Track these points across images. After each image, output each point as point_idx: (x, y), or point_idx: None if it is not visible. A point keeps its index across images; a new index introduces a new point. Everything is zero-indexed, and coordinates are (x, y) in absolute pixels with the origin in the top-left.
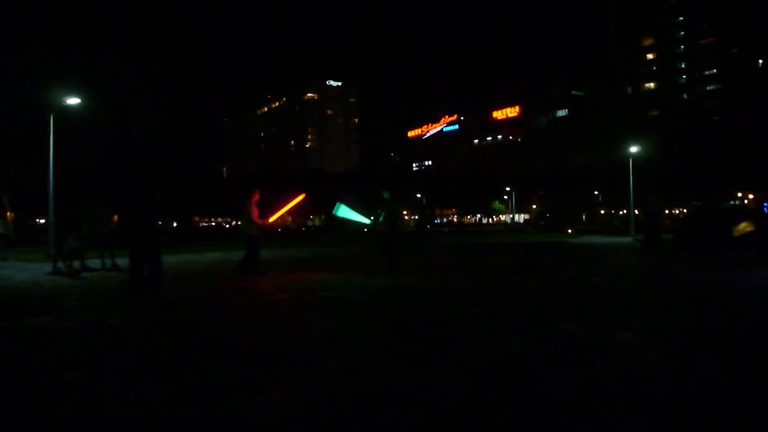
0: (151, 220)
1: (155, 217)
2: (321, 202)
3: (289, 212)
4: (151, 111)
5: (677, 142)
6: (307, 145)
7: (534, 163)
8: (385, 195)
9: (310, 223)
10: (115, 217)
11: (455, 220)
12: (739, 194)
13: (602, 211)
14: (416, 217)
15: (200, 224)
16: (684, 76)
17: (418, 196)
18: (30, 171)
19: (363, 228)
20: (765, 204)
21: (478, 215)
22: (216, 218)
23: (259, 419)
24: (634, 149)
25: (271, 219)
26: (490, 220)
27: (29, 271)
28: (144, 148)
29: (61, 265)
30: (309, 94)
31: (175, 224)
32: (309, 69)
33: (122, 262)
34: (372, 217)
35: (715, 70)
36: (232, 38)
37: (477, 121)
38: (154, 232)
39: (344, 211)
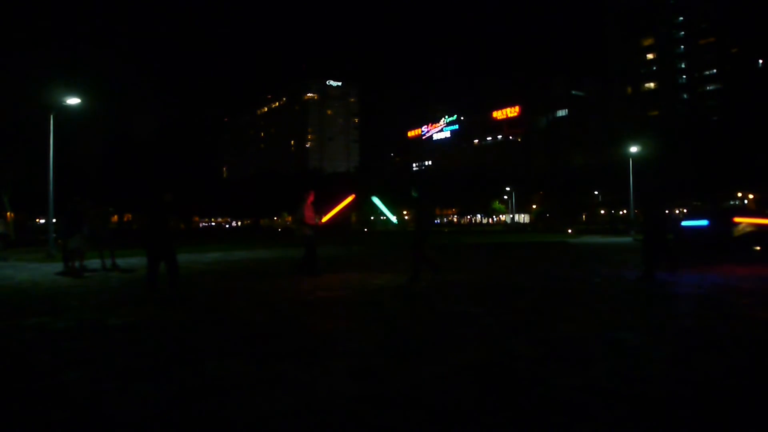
0: (162, 220)
1: (166, 217)
2: (321, 203)
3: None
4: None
5: (677, 142)
6: (307, 145)
7: (534, 163)
8: (414, 194)
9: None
10: (115, 217)
11: (455, 219)
12: (739, 194)
13: (602, 211)
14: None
15: (200, 224)
16: (684, 76)
17: None
18: (30, 171)
19: (391, 223)
20: None
21: (478, 215)
22: (216, 218)
23: (259, 419)
24: (634, 149)
25: (324, 219)
26: (490, 220)
27: (29, 271)
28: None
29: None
30: (309, 94)
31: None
32: (309, 69)
33: (122, 262)
34: (397, 219)
35: (715, 70)
36: (232, 38)
37: (477, 121)
38: (165, 231)
39: (378, 202)
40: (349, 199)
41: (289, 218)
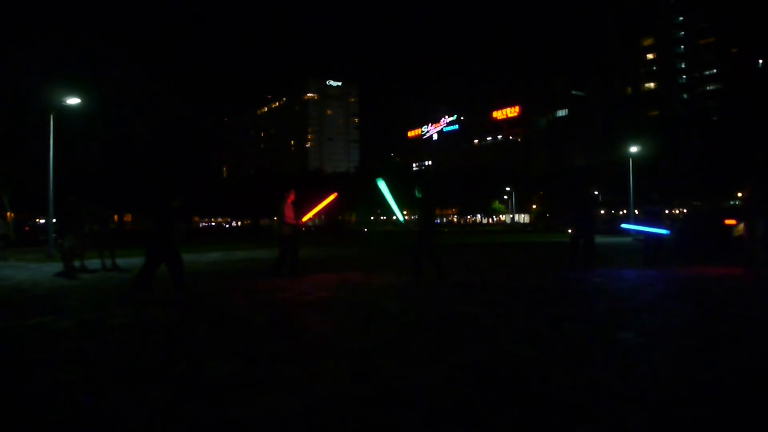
0: (168, 224)
1: (173, 221)
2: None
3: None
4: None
5: (677, 142)
6: (307, 145)
7: (534, 163)
8: (417, 193)
9: (309, 223)
10: (115, 217)
11: (455, 219)
12: (739, 194)
13: (602, 211)
14: (415, 217)
15: (200, 224)
16: (684, 76)
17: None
18: (30, 171)
19: (394, 216)
20: None
21: (478, 215)
22: (216, 218)
23: (259, 419)
24: (634, 149)
25: (304, 219)
26: (490, 220)
27: (29, 271)
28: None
29: (77, 263)
30: (309, 94)
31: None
32: (309, 69)
33: (122, 262)
34: (405, 217)
35: (715, 70)
36: (232, 38)
37: (477, 121)
38: (170, 236)
39: (384, 187)
40: (331, 197)
41: None
